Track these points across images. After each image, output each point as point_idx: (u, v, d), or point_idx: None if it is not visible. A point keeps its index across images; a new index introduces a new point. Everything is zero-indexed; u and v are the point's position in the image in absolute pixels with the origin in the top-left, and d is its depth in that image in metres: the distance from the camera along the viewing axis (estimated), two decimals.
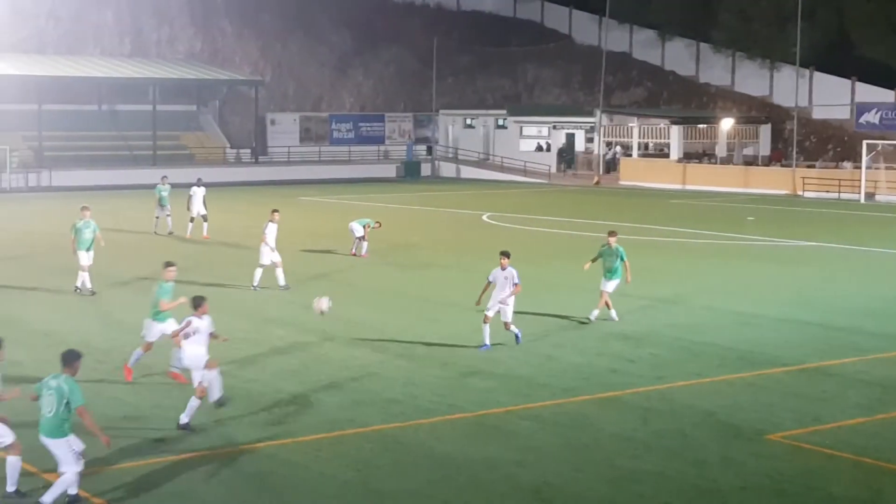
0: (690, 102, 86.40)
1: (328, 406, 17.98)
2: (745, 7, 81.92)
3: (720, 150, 78.58)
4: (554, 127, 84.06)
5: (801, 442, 16.23)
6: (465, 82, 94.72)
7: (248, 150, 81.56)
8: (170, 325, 19.05)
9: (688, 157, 77.43)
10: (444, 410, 17.60)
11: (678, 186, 72.02)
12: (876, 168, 64.43)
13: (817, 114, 79.74)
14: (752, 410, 17.97)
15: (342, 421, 17.11)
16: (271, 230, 29.73)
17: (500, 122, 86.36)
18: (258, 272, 29.63)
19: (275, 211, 30.65)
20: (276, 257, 29.69)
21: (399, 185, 74.22)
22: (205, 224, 41.73)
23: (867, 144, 64.02)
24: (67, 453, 13.23)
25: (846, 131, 77.27)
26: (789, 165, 71.69)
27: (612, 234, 25.72)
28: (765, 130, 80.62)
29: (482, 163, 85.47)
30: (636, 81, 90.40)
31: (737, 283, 31.81)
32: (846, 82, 78.42)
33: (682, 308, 27.39)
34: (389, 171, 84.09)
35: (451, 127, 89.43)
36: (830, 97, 78.66)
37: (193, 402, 16.48)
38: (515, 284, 21.92)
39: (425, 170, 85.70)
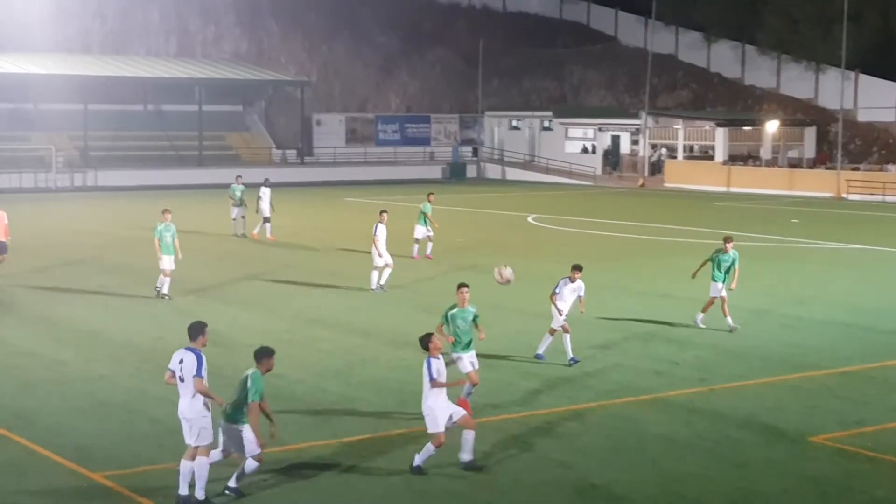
0: (735, 105, 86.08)
1: (374, 406, 18.25)
2: (790, 9, 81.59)
3: (765, 153, 78.28)
4: (599, 129, 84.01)
5: (843, 444, 16.34)
6: (510, 84, 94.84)
7: (294, 151, 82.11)
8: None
9: (732, 159, 77.15)
10: (489, 412, 17.81)
11: (723, 189, 71.84)
12: None
13: (862, 116, 79.26)
14: (795, 412, 18.10)
15: (387, 422, 17.40)
16: (381, 231, 30.04)
17: (546, 123, 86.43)
18: (374, 274, 29.91)
19: (383, 212, 31.08)
20: (388, 259, 30.01)
21: (445, 187, 74.43)
22: (268, 225, 42.08)
23: None
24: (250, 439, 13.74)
25: (891, 134, 76.78)
26: (834, 168, 71.33)
27: (728, 240, 25.71)
28: (810, 133, 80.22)
29: (527, 164, 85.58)
30: (681, 83, 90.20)
31: (781, 286, 31.84)
32: (892, 84, 77.93)
33: (729, 309, 27.44)
34: (435, 172, 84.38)
35: (496, 128, 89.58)
36: (876, 99, 78.17)
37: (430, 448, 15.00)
38: (579, 297, 21.71)
39: (471, 171, 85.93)
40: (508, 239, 43.03)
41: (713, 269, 25.10)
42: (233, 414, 13.79)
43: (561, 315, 21.40)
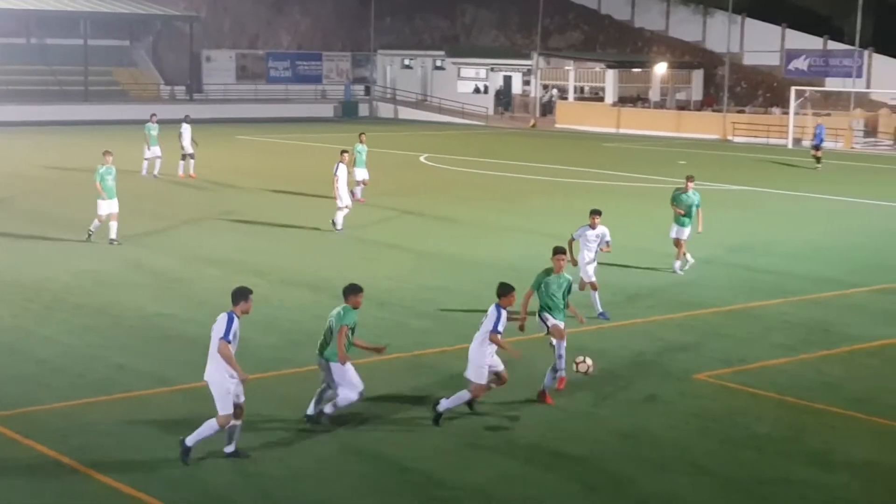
0: (626, 47, 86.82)
1: (264, 346, 18.21)
2: None
3: (654, 95, 79.24)
4: (492, 69, 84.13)
5: (726, 381, 16.77)
6: (403, 22, 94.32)
7: (183, 87, 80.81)
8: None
9: (622, 100, 77.97)
10: (388, 350, 17.85)
11: (613, 130, 72.61)
12: (804, 114, 65.40)
13: (748, 60, 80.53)
14: (681, 351, 18.50)
15: (279, 361, 17.38)
16: (342, 172, 29.72)
17: (438, 63, 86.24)
18: (340, 215, 29.65)
19: (343, 152, 30.85)
20: (348, 200, 29.81)
21: (337, 126, 74.03)
22: (192, 162, 41.28)
23: (795, 91, 64.93)
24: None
25: (776, 77, 78.18)
26: (720, 111, 72.52)
27: (690, 178, 25.31)
28: (697, 75, 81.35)
29: (420, 104, 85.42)
30: (573, 25, 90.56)
31: (667, 227, 32.32)
32: (777, 29, 79.22)
33: (615, 251, 27.81)
34: (327, 111, 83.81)
35: (388, 67, 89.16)
36: (761, 43, 79.44)
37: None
38: (607, 242, 20.92)
39: (363, 110, 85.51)
40: (401, 178, 42.98)
41: (675, 211, 24.90)
42: (325, 349, 14.24)
43: (587, 263, 20.51)
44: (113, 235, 26.91)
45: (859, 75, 72.12)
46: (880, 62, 74.00)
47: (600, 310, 20.54)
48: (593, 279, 20.69)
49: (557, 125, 76.50)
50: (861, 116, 68.98)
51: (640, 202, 37.74)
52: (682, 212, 24.65)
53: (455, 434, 14.26)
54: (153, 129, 41.02)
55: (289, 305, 21.15)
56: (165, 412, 14.88)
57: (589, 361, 15.60)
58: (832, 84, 72.62)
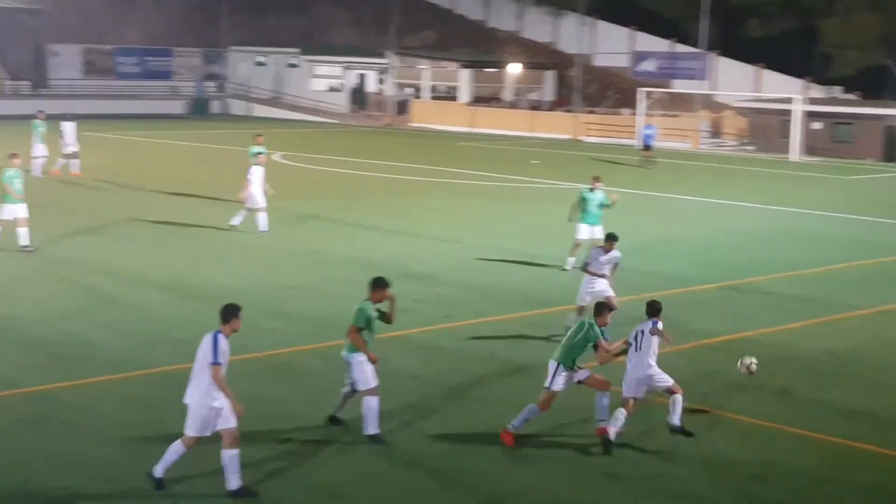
0: (479, 47, 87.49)
1: (114, 348, 17.87)
2: None
3: (507, 95, 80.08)
4: (346, 67, 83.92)
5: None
6: (256, 19, 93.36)
7: (28, 83, 78.66)
8: None
9: (477, 100, 78.59)
10: (235, 351, 17.66)
11: (467, 129, 73.10)
12: (651, 115, 66.83)
13: (599, 61, 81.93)
14: (534, 346, 18.71)
15: (129, 363, 17.07)
16: (257, 173, 29.17)
17: (292, 60, 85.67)
18: (262, 216, 29.04)
19: (259, 154, 30.30)
20: (262, 202, 29.19)
21: (188, 123, 72.95)
22: (74, 161, 40.08)
23: (643, 92, 66.32)
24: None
25: (625, 78, 79.69)
26: (572, 111, 73.63)
27: (596, 179, 25.78)
28: (550, 76, 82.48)
29: (274, 101, 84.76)
30: (427, 24, 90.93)
31: (522, 225, 32.75)
32: (627, 31, 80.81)
33: (470, 249, 28.06)
34: (178, 107, 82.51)
35: (242, 64, 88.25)
36: (612, 45, 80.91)
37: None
38: (615, 266, 19.59)
39: (215, 107, 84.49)
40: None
41: (581, 211, 25.36)
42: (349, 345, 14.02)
43: (593, 287, 19.11)
44: (25, 242, 25.71)
45: (705, 77, 74.01)
46: (725, 65, 76.04)
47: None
48: (583, 304, 19.08)
49: (412, 124, 76.72)
50: (707, 118, 70.80)
51: (495, 201, 38.07)
52: (581, 210, 25.34)
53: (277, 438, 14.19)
54: (41, 126, 40.00)
55: (138, 305, 20.77)
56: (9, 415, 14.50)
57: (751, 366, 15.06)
58: (679, 86, 74.35)
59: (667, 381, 14.27)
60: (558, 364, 14.15)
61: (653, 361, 14.25)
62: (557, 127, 71.36)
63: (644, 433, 14.59)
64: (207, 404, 12.09)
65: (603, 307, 14.75)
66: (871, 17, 72.00)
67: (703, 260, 27.85)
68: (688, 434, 14.19)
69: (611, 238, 19.47)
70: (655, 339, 14.29)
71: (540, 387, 14.34)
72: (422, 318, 20.43)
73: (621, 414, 14.06)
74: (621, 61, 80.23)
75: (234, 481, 12.13)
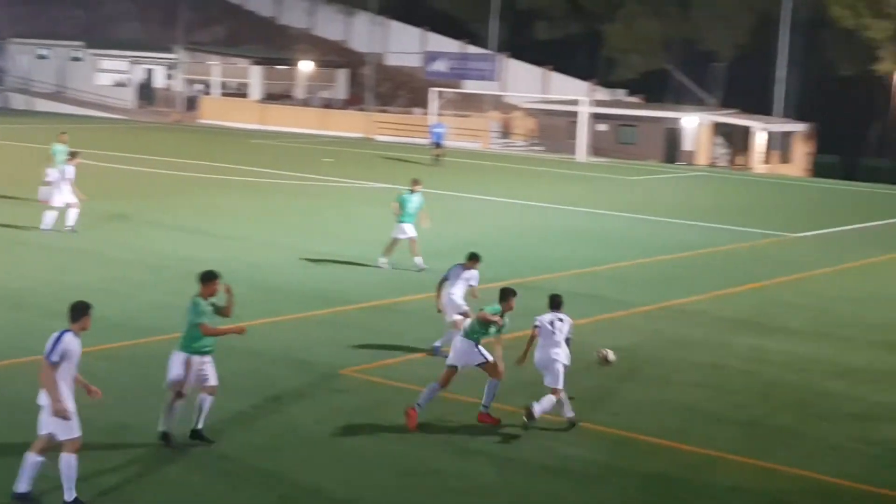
0: (271, 44, 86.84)
1: None
2: None
3: (299, 93, 79.69)
4: (133, 62, 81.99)
5: (371, 376, 17.05)
6: (38, 10, 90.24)
7: None
8: None
9: (268, 97, 77.96)
10: (18, 353, 17.09)
11: (258, 126, 72.42)
12: (443, 115, 67.53)
13: (391, 60, 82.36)
14: (327, 346, 18.65)
15: None
16: (70, 172, 28.28)
17: (76, 54, 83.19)
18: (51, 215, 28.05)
19: (74, 153, 29.23)
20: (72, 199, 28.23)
21: None
22: None
23: (435, 92, 66.98)
24: None
25: (417, 78, 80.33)
26: (364, 109, 73.79)
27: (416, 182, 26.45)
28: (342, 74, 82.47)
29: (56, 96, 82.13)
30: (216, 19, 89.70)
31: (314, 223, 32.62)
32: (418, 31, 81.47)
33: (261, 247, 27.78)
34: None
35: (22, 57, 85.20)
36: (404, 45, 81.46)
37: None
38: (472, 287, 18.58)
39: None
40: (34, 173, 41.15)
41: (401, 211, 25.65)
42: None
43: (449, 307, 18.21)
44: None
45: (495, 78, 75.21)
46: (514, 66, 77.45)
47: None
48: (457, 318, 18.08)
49: (202, 120, 75.53)
50: (497, 118, 71.98)
51: (287, 199, 37.83)
52: (400, 212, 25.70)
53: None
54: None
55: None
56: None
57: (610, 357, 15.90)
58: (470, 86, 75.35)
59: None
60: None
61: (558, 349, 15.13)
62: (350, 125, 71.39)
63: (435, 428, 14.69)
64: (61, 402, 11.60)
65: (508, 292, 15.25)
66: (652, 22, 74.47)
67: (494, 258, 28.18)
68: (528, 419, 14.68)
69: (474, 258, 18.40)
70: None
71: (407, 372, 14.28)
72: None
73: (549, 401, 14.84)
74: (413, 61, 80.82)
75: (22, 485, 11.69)
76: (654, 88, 76.37)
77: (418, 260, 25.71)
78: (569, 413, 15.01)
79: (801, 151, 66.68)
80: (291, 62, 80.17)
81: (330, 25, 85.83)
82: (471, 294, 18.56)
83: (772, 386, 17.60)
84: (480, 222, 34.75)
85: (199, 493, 12.46)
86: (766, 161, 63.67)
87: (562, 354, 15.16)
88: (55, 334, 11.81)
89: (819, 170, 64.80)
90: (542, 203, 40.02)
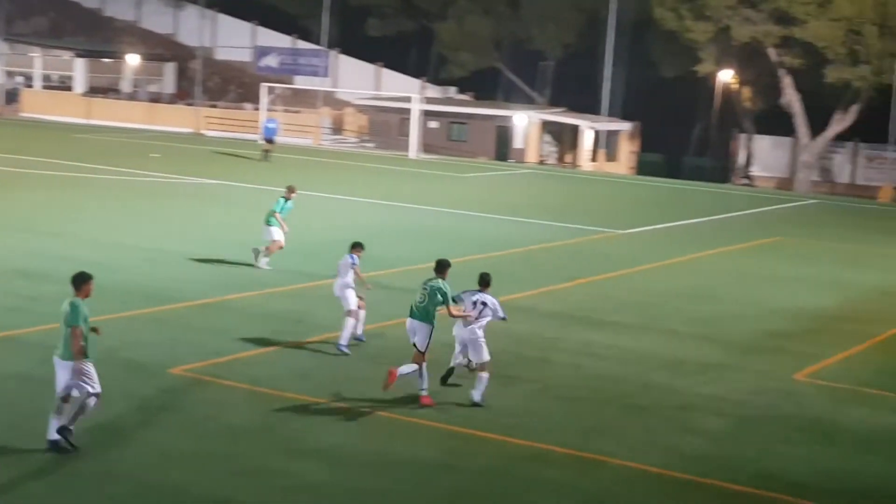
0: (96, 36, 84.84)
1: None
2: None
3: (126, 86, 78.07)
4: None
5: (201, 374, 16.83)
6: None
7: None
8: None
9: (93, 91, 76.14)
10: None
11: (83, 121, 70.69)
12: (274, 110, 67.03)
13: (221, 55, 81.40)
14: (155, 345, 18.34)
15: None
16: None
17: None
18: None
19: None
20: None
21: None
22: None
23: (266, 87, 66.41)
24: None
25: (248, 73, 79.55)
26: (193, 104, 72.70)
27: (291, 189, 26.80)
28: (170, 68, 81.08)
29: None
30: (39, 10, 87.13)
31: (141, 220, 32.00)
32: (248, 26, 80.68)
33: (87, 244, 27.14)
34: None
35: None
36: (233, 39, 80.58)
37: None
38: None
39: None
40: None
41: (270, 216, 25.71)
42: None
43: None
44: None
45: (326, 75, 74.95)
46: (346, 63, 77.33)
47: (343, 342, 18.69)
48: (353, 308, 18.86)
49: (23, 114, 73.38)
50: (328, 114, 71.75)
51: (113, 195, 37.04)
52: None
53: None
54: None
55: None
56: None
57: None
58: (301, 82, 74.93)
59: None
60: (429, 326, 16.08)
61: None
62: (178, 120, 70.25)
63: (265, 428, 14.60)
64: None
65: (443, 264, 16.88)
66: (483, 21, 75.26)
67: (327, 255, 28.14)
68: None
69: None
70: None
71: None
72: (35, 317, 19.59)
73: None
74: (243, 56, 79.99)
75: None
76: (485, 86, 77.22)
77: (265, 261, 25.57)
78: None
79: (627, 150, 68.29)
80: (117, 55, 78.43)
81: (157, 18, 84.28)
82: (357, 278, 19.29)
83: (599, 379, 17.99)
84: (313, 220, 34.58)
85: (22, 496, 12.09)
86: (594, 159, 65.00)
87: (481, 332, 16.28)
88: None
89: (644, 168, 66.49)
90: (374, 200, 40.06)
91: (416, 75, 77.65)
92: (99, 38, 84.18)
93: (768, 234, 37.32)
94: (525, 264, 28.68)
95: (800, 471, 14.22)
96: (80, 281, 13.71)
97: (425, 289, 16.33)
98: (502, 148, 65.52)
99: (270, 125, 54.41)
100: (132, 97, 76.65)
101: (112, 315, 20.24)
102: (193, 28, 78.02)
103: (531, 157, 65.51)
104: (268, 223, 25.75)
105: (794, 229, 39.76)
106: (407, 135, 63.15)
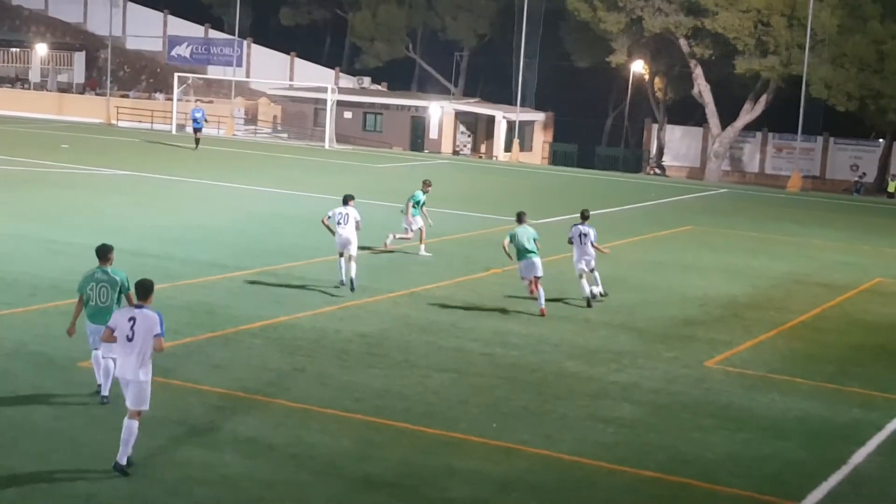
0: (3, 24, 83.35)
1: None
2: None
3: (34, 76, 76.72)
4: None
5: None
6: None
7: None
8: None
9: (1, 81, 74.84)
10: None
11: None
12: (187, 100, 66.36)
13: (131, 44, 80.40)
14: (65, 339, 17.99)
15: None
16: None
17: None
18: None
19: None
20: None
21: None
22: None
23: (178, 77, 65.70)
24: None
25: (159, 63, 78.69)
26: (104, 94, 71.71)
27: (427, 183, 29.21)
28: (79, 58, 79.89)
29: None
30: None
31: (50, 211, 31.50)
32: (159, 15, 79.77)
33: None
34: None
35: None
36: (144, 29, 79.62)
37: None
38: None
39: None
40: None
41: (415, 207, 28.16)
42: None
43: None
44: None
45: (239, 64, 74.38)
46: (259, 52, 76.81)
47: None
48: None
49: None
50: (242, 105, 71.21)
51: (20, 186, 36.41)
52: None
53: None
54: None
55: None
56: None
57: None
58: (214, 72, 74.29)
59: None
60: None
61: None
62: (89, 111, 69.27)
63: (178, 420, 14.46)
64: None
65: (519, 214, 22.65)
66: (397, 11, 75.20)
67: (240, 246, 27.98)
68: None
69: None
70: None
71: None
72: None
73: None
74: (155, 45, 79.12)
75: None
76: (399, 77, 77.21)
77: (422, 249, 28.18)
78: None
79: (541, 140, 68.70)
80: (25, 44, 77.05)
81: (67, 6, 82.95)
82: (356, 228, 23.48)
83: (513, 368, 18.08)
84: (227, 210, 34.32)
85: None
86: (508, 149, 65.28)
87: None
88: (155, 314, 12.77)
89: (557, 158, 66.95)
90: (288, 190, 39.85)
91: (329, 65, 77.39)
92: (6, 26, 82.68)
93: (680, 224, 37.80)
94: (441, 254, 28.71)
95: (711, 457, 14.42)
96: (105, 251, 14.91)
97: (532, 237, 22.21)
98: (417, 138, 65.54)
99: (196, 114, 54.08)
100: (41, 87, 75.34)
101: (20, 308, 19.93)
102: (103, 17, 76.86)
103: (446, 147, 65.62)
104: (412, 213, 28.29)
105: (705, 218, 40.31)
106: (322, 125, 62.89)
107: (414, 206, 28.41)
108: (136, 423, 12.69)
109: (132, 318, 12.72)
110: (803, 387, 17.99)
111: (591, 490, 13.16)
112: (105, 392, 14.78)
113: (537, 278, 22.01)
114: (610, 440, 14.85)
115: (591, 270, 23.29)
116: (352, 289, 22.65)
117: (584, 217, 23.55)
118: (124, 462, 12.61)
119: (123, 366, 12.82)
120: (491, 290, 24.22)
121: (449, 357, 18.54)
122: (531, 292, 22.05)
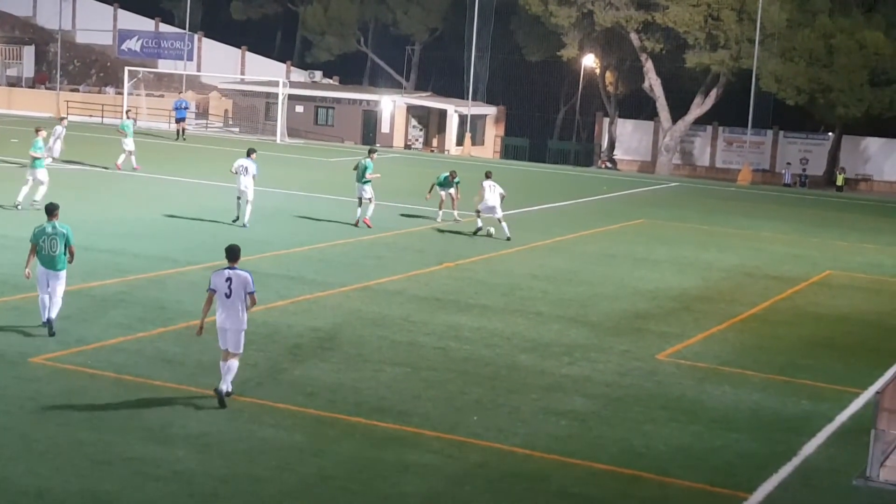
0: None
1: None
2: None
3: None
4: None
5: (64, 363, 16.49)
6: None
7: None
8: None
9: None
10: None
11: None
12: (137, 94, 65.88)
13: (81, 38, 79.66)
14: (16, 334, 17.90)
15: None
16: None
17: None
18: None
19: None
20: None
21: None
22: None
23: (129, 71, 65.19)
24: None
25: (109, 57, 78.04)
26: (53, 88, 71.04)
27: (453, 174, 33.29)
28: (28, 51, 79.05)
29: None
30: None
31: (3, 206, 31.21)
32: (109, 8, 79.13)
33: None
34: None
35: None
36: (94, 22, 78.91)
37: None
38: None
39: None
40: None
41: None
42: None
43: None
44: None
45: (190, 58, 73.92)
46: (209, 46, 76.35)
47: None
48: None
49: None
50: (193, 99, 70.77)
51: None
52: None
53: None
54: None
55: None
56: None
57: None
58: (165, 66, 73.78)
59: None
60: None
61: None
62: (38, 105, 68.60)
63: (130, 416, 14.39)
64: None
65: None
66: (348, 5, 75.02)
67: (191, 240, 27.83)
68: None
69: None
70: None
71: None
72: None
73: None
74: (105, 39, 78.44)
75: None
76: (351, 71, 77.07)
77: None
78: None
79: (492, 134, 68.80)
80: None
81: (14, 0, 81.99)
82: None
83: (466, 362, 18.12)
84: (176, 204, 34.10)
85: None
86: (460, 143, 65.34)
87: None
88: (245, 273, 14.99)
89: (509, 152, 67.06)
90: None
91: (281, 59, 77.09)
92: None
93: (632, 217, 38.02)
94: (394, 248, 28.71)
95: (663, 449, 14.54)
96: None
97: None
98: (369, 132, 65.45)
99: (182, 106, 54.35)
100: None
101: None
102: (53, 10, 76.07)
103: (398, 141, 65.56)
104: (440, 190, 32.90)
105: (656, 211, 40.55)
106: (273, 119, 62.63)
107: (439, 185, 33.60)
108: (236, 362, 14.98)
109: (228, 279, 14.86)
110: (754, 379, 18.17)
111: (544, 483, 13.22)
112: (45, 317, 17.68)
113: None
114: (563, 433, 14.93)
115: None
116: (244, 225, 28.60)
117: None
118: (223, 389, 14.84)
119: (224, 318, 14.91)
120: (443, 284, 24.25)
121: (402, 351, 18.56)
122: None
